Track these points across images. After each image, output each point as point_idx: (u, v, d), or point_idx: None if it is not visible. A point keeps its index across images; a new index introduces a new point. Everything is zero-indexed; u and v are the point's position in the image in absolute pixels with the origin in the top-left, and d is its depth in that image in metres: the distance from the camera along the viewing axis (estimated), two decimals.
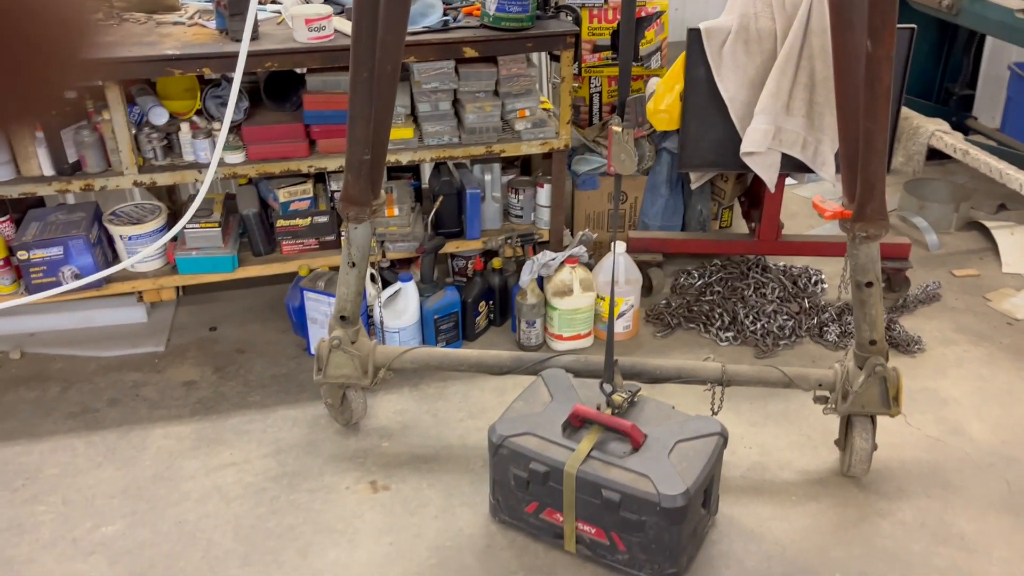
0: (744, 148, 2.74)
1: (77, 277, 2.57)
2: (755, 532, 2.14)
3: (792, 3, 2.62)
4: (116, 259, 2.70)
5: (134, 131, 2.53)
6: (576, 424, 2.04)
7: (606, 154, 3.19)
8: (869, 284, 2.08)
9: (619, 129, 1.81)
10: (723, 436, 2.05)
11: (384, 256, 2.86)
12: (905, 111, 3.36)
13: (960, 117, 3.99)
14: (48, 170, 2.50)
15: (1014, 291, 3.12)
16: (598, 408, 2.05)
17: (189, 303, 3.08)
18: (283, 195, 2.72)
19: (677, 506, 1.84)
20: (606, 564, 2.01)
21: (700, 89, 2.77)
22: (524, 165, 3.20)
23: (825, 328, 2.89)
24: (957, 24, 3.52)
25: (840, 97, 1.88)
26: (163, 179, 2.56)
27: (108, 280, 2.61)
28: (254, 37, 2.46)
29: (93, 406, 2.59)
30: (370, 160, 2.03)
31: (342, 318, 2.31)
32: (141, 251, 2.56)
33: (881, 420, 2.30)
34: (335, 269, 2.82)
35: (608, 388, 2.09)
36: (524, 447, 1.98)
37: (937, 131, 3.27)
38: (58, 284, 2.54)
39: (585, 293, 2.77)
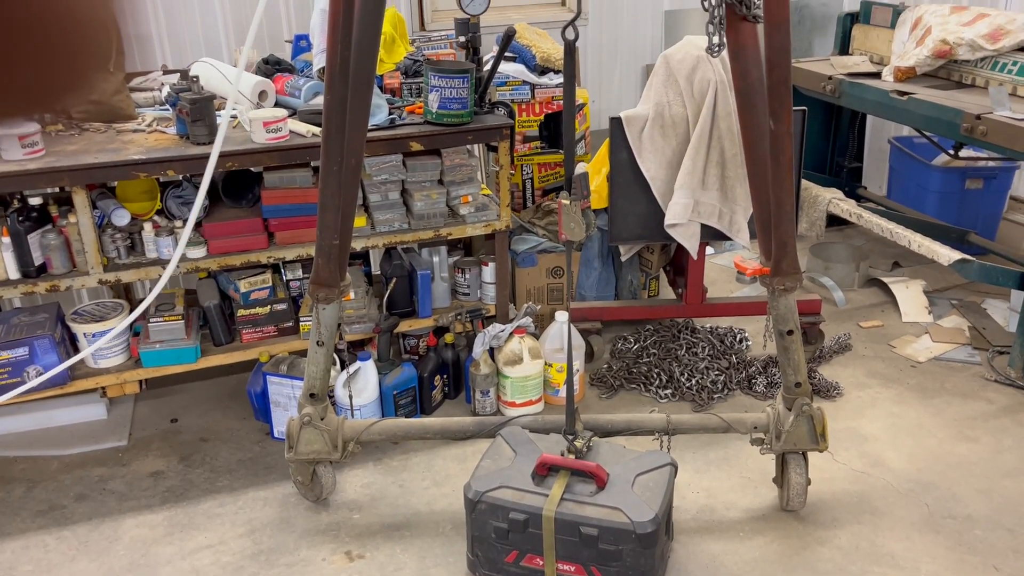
0: (667, 221, 3.04)
1: (41, 376, 2.63)
2: (710, 567, 2.31)
3: (700, 92, 2.97)
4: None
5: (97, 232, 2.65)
6: (543, 472, 2.20)
7: (543, 234, 3.45)
8: (790, 332, 2.34)
9: (568, 202, 2.05)
10: (674, 466, 2.26)
11: (342, 338, 3.00)
12: (804, 182, 3.74)
13: (852, 187, 4.43)
14: (14, 273, 2.58)
15: (914, 338, 3.46)
16: (561, 455, 2.23)
17: (149, 397, 3.13)
18: (244, 285, 2.85)
19: (649, 531, 2.03)
20: None
21: (624, 170, 3.07)
22: (467, 246, 3.43)
23: (753, 380, 3.15)
24: (841, 105, 3.97)
25: (751, 170, 2.17)
26: (128, 276, 2.68)
27: (72, 378, 2.68)
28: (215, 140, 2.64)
29: (60, 503, 2.61)
30: (338, 245, 2.21)
31: (311, 396, 2.44)
32: (105, 346, 2.65)
33: (812, 458, 2.54)
34: (295, 354, 2.96)
35: (571, 436, 2.28)
36: (501, 499, 2.14)
37: (834, 199, 3.66)
38: (22, 384, 2.59)
39: (534, 361, 2.97)
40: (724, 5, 1.97)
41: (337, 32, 1.92)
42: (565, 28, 1.87)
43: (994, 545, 2.37)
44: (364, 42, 1.98)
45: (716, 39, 1.98)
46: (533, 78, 3.49)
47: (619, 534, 2.05)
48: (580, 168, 3.42)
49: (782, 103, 1.98)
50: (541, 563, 2.15)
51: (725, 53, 2.04)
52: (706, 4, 1.98)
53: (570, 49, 1.90)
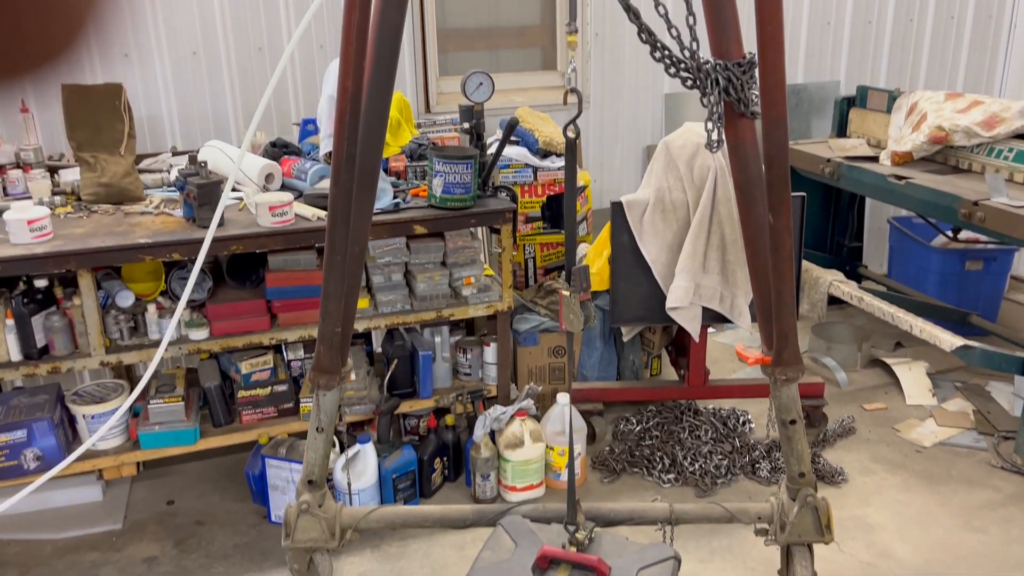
0: (669, 304, 3.05)
1: (39, 459, 2.61)
2: None
3: (700, 178, 3.01)
4: (77, 438, 2.75)
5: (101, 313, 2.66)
6: (543, 565, 2.16)
7: (544, 313, 3.46)
8: (793, 422, 2.32)
9: (568, 293, 2.06)
10: (677, 559, 2.20)
11: (341, 419, 2.98)
12: (805, 264, 3.76)
13: (852, 266, 4.45)
14: (16, 355, 2.59)
15: (919, 421, 3.43)
16: (563, 547, 2.19)
17: (145, 478, 3.10)
18: (245, 367, 2.85)
19: None
20: None
21: (625, 253, 3.10)
22: (469, 325, 3.43)
23: (757, 465, 3.12)
24: (840, 187, 4.02)
25: (751, 261, 2.19)
26: (130, 358, 2.68)
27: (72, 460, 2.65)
28: (220, 223, 2.67)
29: None
30: (340, 332, 2.22)
31: (309, 482, 2.41)
32: (108, 428, 2.63)
33: (818, 549, 2.49)
34: (294, 435, 2.94)
35: (572, 527, 2.24)
36: None
37: (834, 281, 3.67)
38: (20, 467, 2.57)
39: (535, 444, 2.94)
40: (723, 102, 2.02)
41: (344, 127, 1.96)
42: (567, 126, 1.91)
43: None
44: (370, 136, 2.02)
45: (715, 135, 2.01)
46: (535, 161, 3.55)
47: None
48: (581, 249, 3.46)
49: (781, 198, 2.01)
50: None
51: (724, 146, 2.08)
52: (705, 101, 2.03)
53: (571, 146, 1.93)
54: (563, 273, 2.18)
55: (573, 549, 2.20)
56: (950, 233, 3.99)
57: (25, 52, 0.50)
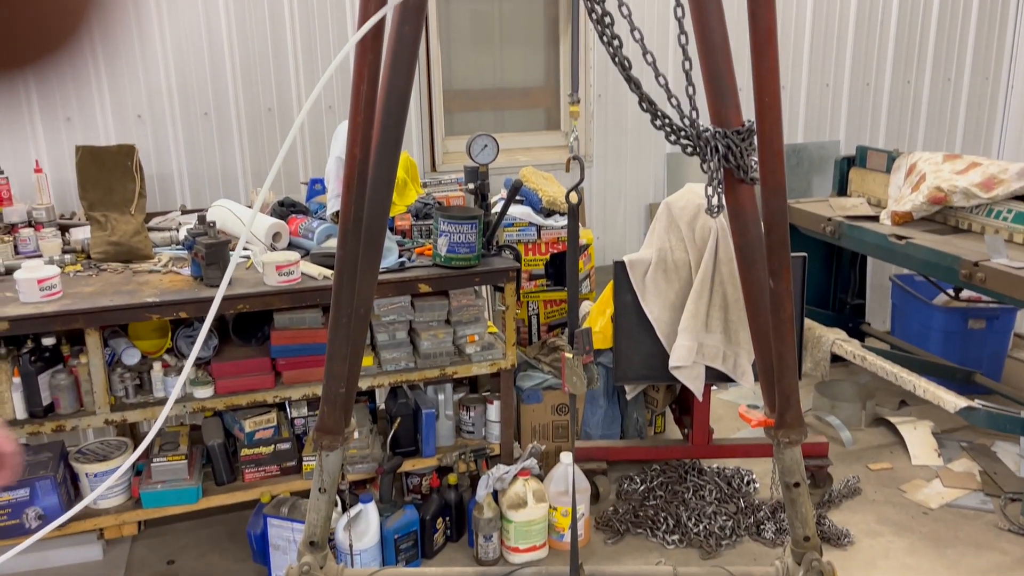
0: (672, 363, 3.06)
1: (41, 518, 2.61)
2: None
3: (701, 238, 3.04)
4: (79, 496, 2.75)
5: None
6: None
7: (548, 370, 3.47)
8: (796, 484, 2.31)
9: (571, 356, 2.07)
10: None
11: (344, 478, 2.97)
12: (808, 322, 3.77)
13: (855, 323, 4.46)
14: (21, 413, 2.60)
15: (925, 482, 3.41)
16: None
17: (146, 537, 3.08)
18: (249, 425, 2.86)
19: None
20: None
21: (628, 312, 3.12)
22: (472, 383, 3.44)
23: (762, 526, 3.09)
24: (841, 246, 4.05)
25: (752, 324, 2.20)
26: (134, 416, 2.69)
27: (69, 518, 2.64)
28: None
29: None
30: (344, 392, 2.23)
31: (311, 543, 2.40)
32: (106, 487, 2.63)
33: None
34: (297, 495, 2.92)
35: None
36: None
37: (837, 340, 3.68)
38: (22, 526, 2.57)
39: (538, 504, 2.93)
40: (723, 168, 2.06)
41: (352, 192, 2.00)
42: (569, 192, 1.94)
43: None
44: (377, 200, 2.06)
45: (715, 200, 2.05)
46: (539, 220, 3.60)
47: None
48: (584, 308, 3.48)
49: (781, 263, 2.04)
50: None
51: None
52: (705, 167, 2.07)
53: (574, 211, 1.97)
54: (566, 332, 2.20)
55: None
56: (951, 292, 4.01)
57: (21, 43, 0.49)
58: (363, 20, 1.80)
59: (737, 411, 3.98)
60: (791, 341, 2.13)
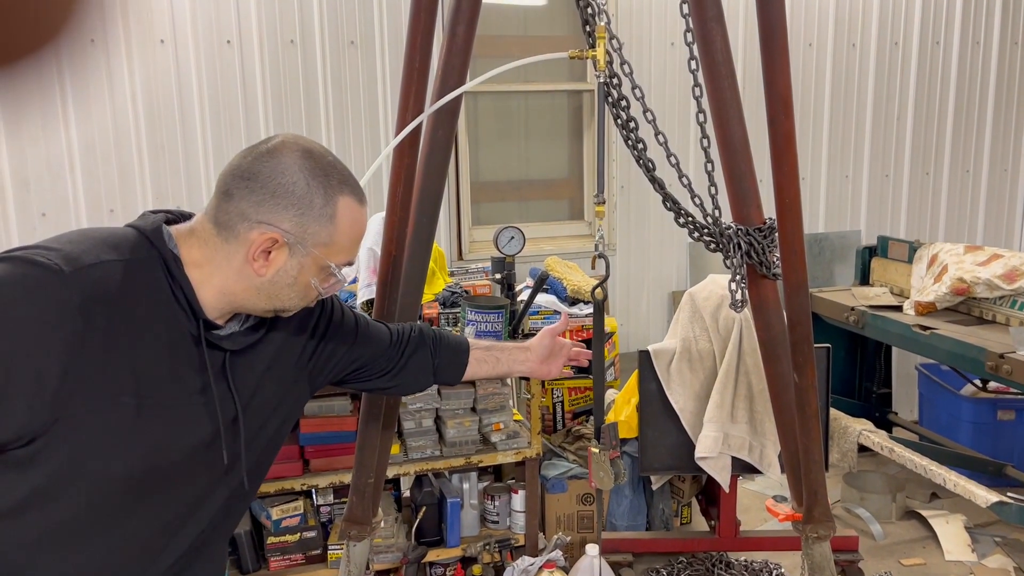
0: (697, 453, 3.05)
1: None
2: None
3: (725, 328, 3.08)
4: None
5: None
6: None
7: (573, 459, 3.47)
8: None
9: (597, 451, 2.09)
10: None
11: (369, 567, 2.96)
12: (834, 412, 3.75)
13: (882, 412, 4.43)
14: None
15: None
16: None
17: None
18: (276, 512, 2.87)
19: None
20: None
21: (653, 401, 3.13)
22: (496, 471, 3.44)
23: None
24: (865, 335, 4.06)
25: (778, 417, 2.22)
26: None
27: None
28: None
29: None
30: (373, 483, 2.25)
31: None
32: None
33: None
34: None
35: None
36: None
37: (864, 431, 3.66)
38: None
39: None
40: (745, 264, 2.11)
41: (386, 286, 2.07)
42: (595, 289, 2.00)
43: None
44: (409, 293, 2.13)
45: (739, 295, 2.09)
46: (564, 308, 3.65)
47: None
48: (609, 395, 3.50)
49: (805, 358, 2.07)
50: None
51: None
52: (728, 263, 2.12)
53: (599, 307, 2.02)
54: (591, 420, 2.22)
55: None
56: (978, 383, 3.98)
57: (18, 38, 0.50)
58: (401, 126, 1.90)
59: (764, 503, 3.93)
60: (817, 436, 2.15)
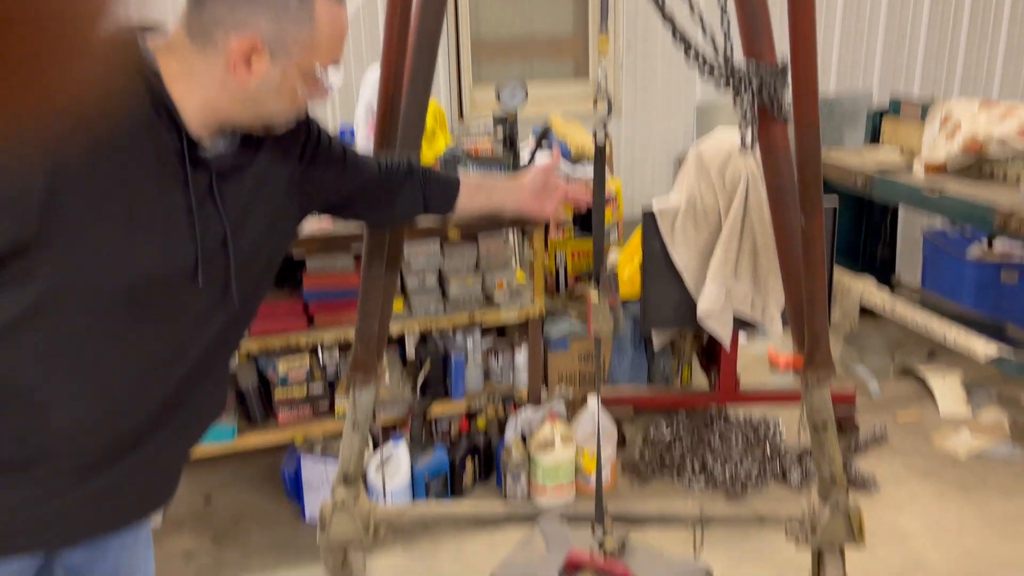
0: (700, 310, 3.06)
1: None
2: None
3: (731, 184, 3.03)
4: None
5: None
6: (571, 570, 2.18)
7: (575, 319, 3.49)
8: (824, 425, 2.33)
9: (596, 299, 2.09)
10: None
11: (375, 419, 3.03)
12: (837, 273, 3.76)
13: (885, 278, 4.42)
14: None
15: (953, 431, 3.41)
16: (591, 551, 2.21)
17: (183, 475, 3.16)
18: (282, 367, 2.91)
19: None
20: None
21: (657, 260, 3.12)
22: (500, 331, 3.47)
23: (788, 472, 3.11)
24: (872, 198, 4.01)
25: (783, 265, 2.20)
26: None
27: None
28: None
29: None
30: (377, 331, 2.27)
31: (344, 478, 2.46)
32: None
33: (850, 555, 2.48)
34: (329, 436, 2.99)
35: (599, 532, 2.26)
36: None
37: (867, 290, 3.66)
38: None
39: (566, 447, 2.97)
40: (756, 105, 2.04)
41: (384, 132, 2.02)
42: (596, 130, 1.94)
43: None
44: (408, 140, 2.07)
45: (748, 136, 2.04)
46: (567, 168, 3.59)
47: None
48: (611, 256, 3.49)
49: (813, 200, 2.03)
50: None
51: (757, 148, 2.10)
52: (738, 104, 2.05)
53: (600, 151, 1.96)
54: (592, 278, 2.21)
55: (602, 556, 2.21)
56: (985, 244, 3.96)
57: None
58: None
59: (764, 363, 4.00)
60: (822, 280, 2.13)
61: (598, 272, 2.18)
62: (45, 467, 1.25)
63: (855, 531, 2.37)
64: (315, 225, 2.75)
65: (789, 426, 3.40)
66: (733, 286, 3.04)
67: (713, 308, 3.04)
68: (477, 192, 1.80)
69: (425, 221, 2.86)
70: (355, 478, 2.47)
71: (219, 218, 1.29)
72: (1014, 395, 3.64)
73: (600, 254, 2.18)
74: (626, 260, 3.26)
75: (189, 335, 1.32)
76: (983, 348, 3.13)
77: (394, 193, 1.69)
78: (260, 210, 1.37)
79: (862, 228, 4.48)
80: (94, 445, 1.28)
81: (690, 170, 3.11)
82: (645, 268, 3.14)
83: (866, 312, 3.99)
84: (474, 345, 3.21)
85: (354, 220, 1.85)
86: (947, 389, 3.64)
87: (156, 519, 2.92)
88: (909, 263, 4.75)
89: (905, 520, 2.87)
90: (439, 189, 1.77)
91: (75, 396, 1.25)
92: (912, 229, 4.73)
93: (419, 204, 1.74)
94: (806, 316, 2.17)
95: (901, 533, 2.80)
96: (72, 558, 1.44)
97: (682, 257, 3.08)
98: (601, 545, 2.24)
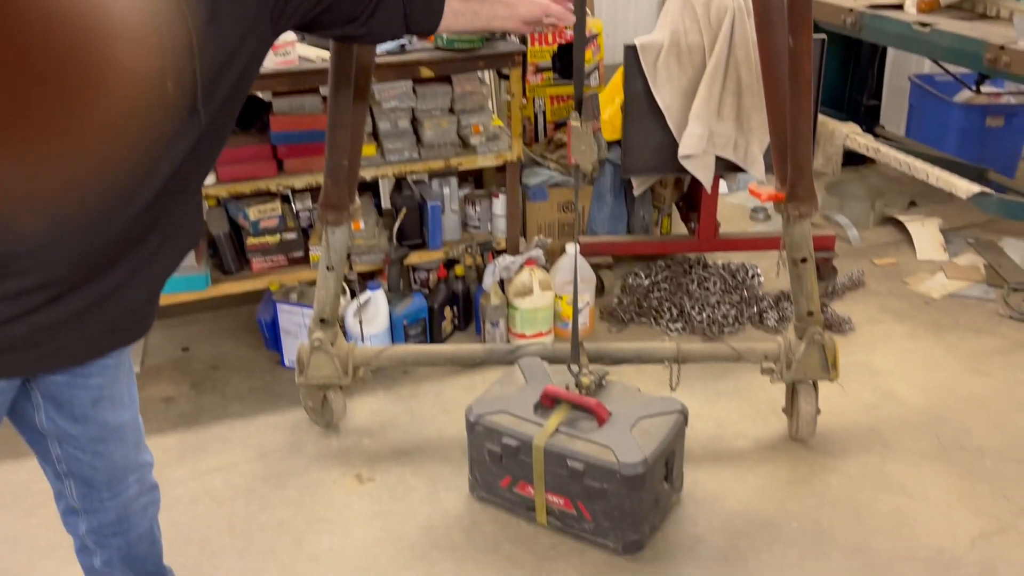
0: (681, 152, 2.99)
1: None
2: (718, 493, 2.32)
3: (716, 20, 2.89)
4: None
5: None
6: (547, 404, 2.20)
7: (554, 167, 3.42)
8: (804, 260, 2.31)
9: (577, 123, 2.01)
10: (683, 413, 2.22)
11: (351, 268, 2.99)
12: (821, 117, 3.66)
13: (869, 125, 4.34)
14: None
15: (929, 275, 3.43)
16: (567, 389, 2.22)
17: (159, 327, 3.14)
18: (253, 213, 2.84)
19: (636, 473, 2.01)
20: (574, 534, 2.16)
21: (638, 100, 3.02)
22: (478, 179, 3.40)
23: (764, 315, 3.14)
24: (860, 40, 3.88)
25: (768, 90, 2.12)
26: None
27: None
28: None
29: None
30: (347, 166, 2.19)
31: (321, 320, 2.44)
32: None
33: (822, 390, 2.53)
34: (305, 284, 2.95)
35: (575, 369, 2.27)
36: (497, 424, 2.15)
37: (851, 134, 3.59)
38: None
39: (544, 293, 2.96)
40: None
41: None
42: None
43: (1004, 475, 2.37)
44: None
45: None
46: None
47: (604, 473, 2.03)
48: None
49: (802, 19, 1.93)
50: (532, 491, 2.15)
51: None
52: None
53: None
54: (571, 114, 2.12)
55: (577, 392, 2.23)
56: (973, 87, 3.87)
57: None
58: None
59: (744, 213, 3.96)
60: (807, 107, 2.06)
61: (579, 95, 2.10)
62: (12, 284, 1.21)
63: (829, 365, 2.40)
64: (280, 61, 2.61)
65: (767, 272, 3.40)
66: (716, 127, 2.96)
67: (695, 150, 2.97)
68: (463, 10, 1.68)
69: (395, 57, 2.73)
70: (332, 320, 2.45)
71: (184, 24, 1.19)
72: (991, 241, 3.65)
73: (580, 76, 2.09)
74: (607, 100, 3.15)
75: (159, 153, 1.25)
76: (965, 185, 3.10)
77: (375, 7, 1.56)
78: (229, 18, 1.27)
79: (848, 76, 4.35)
80: (62, 263, 1.24)
81: (674, 5, 2.96)
82: (627, 109, 3.04)
83: (848, 162, 3.93)
84: (451, 193, 3.14)
85: (330, 36, 1.75)
86: (925, 235, 3.64)
87: (135, 363, 2.91)
88: (894, 113, 4.66)
89: (877, 358, 2.91)
90: (424, 4, 1.65)
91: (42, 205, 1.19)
92: (898, 79, 4.61)
93: (401, 22, 1.62)
94: (789, 145, 2.11)
95: (873, 370, 2.85)
96: (50, 385, 1.41)
97: (665, 96, 2.98)
98: (577, 382, 2.25)
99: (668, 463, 2.17)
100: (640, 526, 2.09)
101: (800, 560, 2.09)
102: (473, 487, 2.29)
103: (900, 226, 3.78)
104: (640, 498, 2.04)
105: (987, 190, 3.07)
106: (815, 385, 2.46)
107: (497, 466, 2.18)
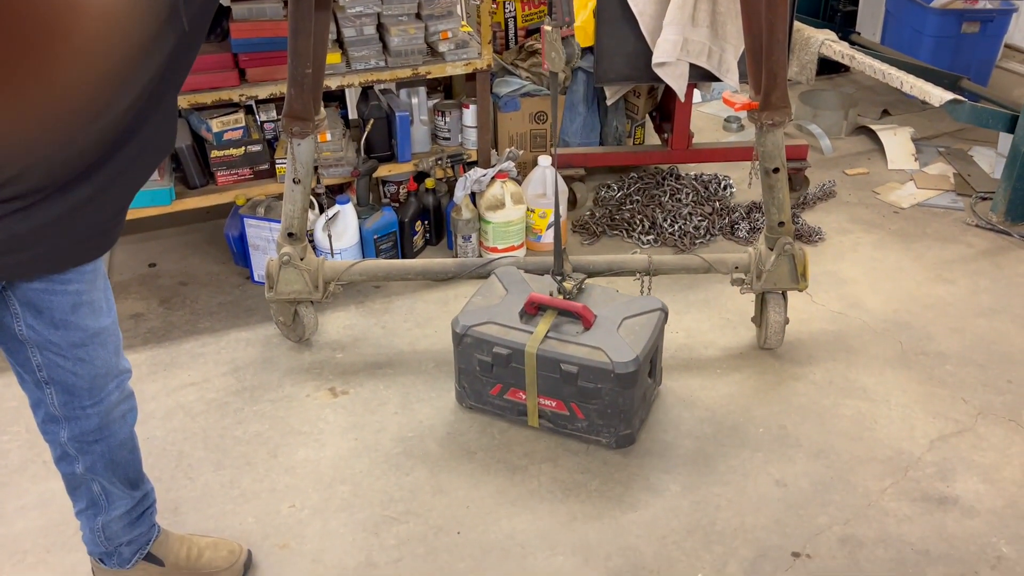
0: (655, 59, 2.93)
1: None
2: (688, 400, 2.37)
3: None
4: None
5: None
6: (532, 311, 2.21)
7: (526, 76, 3.34)
8: (776, 170, 2.30)
9: (549, 28, 1.95)
10: (664, 311, 2.26)
11: (319, 182, 2.94)
12: (796, 24, 3.60)
13: (845, 33, 4.28)
14: None
15: (899, 184, 3.44)
16: (551, 295, 2.23)
17: (125, 243, 3.09)
18: (216, 125, 2.75)
19: (629, 372, 2.04)
20: (567, 433, 2.20)
21: (612, 5, 2.93)
22: (447, 89, 3.31)
23: (736, 226, 3.14)
24: None
25: None
26: None
27: None
28: None
29: None
30: (311, 74, 2.11)
31: (290, 235, 2.40)
32: None
33: (791, 300, 2.56)
34: (272, 197, 2.90)
35: (559, 276, 2.27)
36: (487, 334, 2.15)
37: (826, 40, 3.54)
38: None
39: (516, 206, 2.93)
40: None
41: None
42: None
43: (964, 380, 2.43)
44: None
45: None
46: None
47: (599, 373, 2.07)
48: None
49: None
50: (524, 397, 2.18)
51: None
52: None
53: None
54: (544, 19, 2.05)
55: (560, 298, 2.23)
56: None
57: None
58: None
59: (718, 124, 3.92)
60: (783, 12, 2.01)
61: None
62: None
63: (799, 275, 2.42)
64: None
65: (739, 184, 3.39)
66: (690, 34, 2.89)
67: (669, 57, 2.91)
68: None
69: None
70: (300, 235, 2.42)
71: None
72: (961, 150, 3.66)
73: None
74: (580, 5, 3.06)
75: (140, 60, 1.20)
76: (939, 93, 3.08)
77: None
78: None
79: None
80: (42, 169, 1.22)
81: None
82: (600, 15, 2.95)
83: (823, 71, 3.89)
84: (419, 103, 3.06)
85: None
86: (897, 144, 3.63)
87: None
88: (870, 20, 4.59)
89: (846, 267, 2.94)
90: None
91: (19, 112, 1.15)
92: None
93: None
94: (764, 52, 2.07)
95: (841, 279, 2.88)
96: (28, 292, 1.40)
97: (638, 2, 2.90)
98: (560, 288, 2.26)
99: (653, 360, 2.22)
100: (632, 420, 2.15)
101: (765, 464, 2.15)
102: (461, 397, 2.31)
103: (873, 135, 3.77)
104: (632, 395, 2.09)
105: (959, 98, 3.05)
106: (784, 295, 2.49)
107: (487, 375, 2.20)
